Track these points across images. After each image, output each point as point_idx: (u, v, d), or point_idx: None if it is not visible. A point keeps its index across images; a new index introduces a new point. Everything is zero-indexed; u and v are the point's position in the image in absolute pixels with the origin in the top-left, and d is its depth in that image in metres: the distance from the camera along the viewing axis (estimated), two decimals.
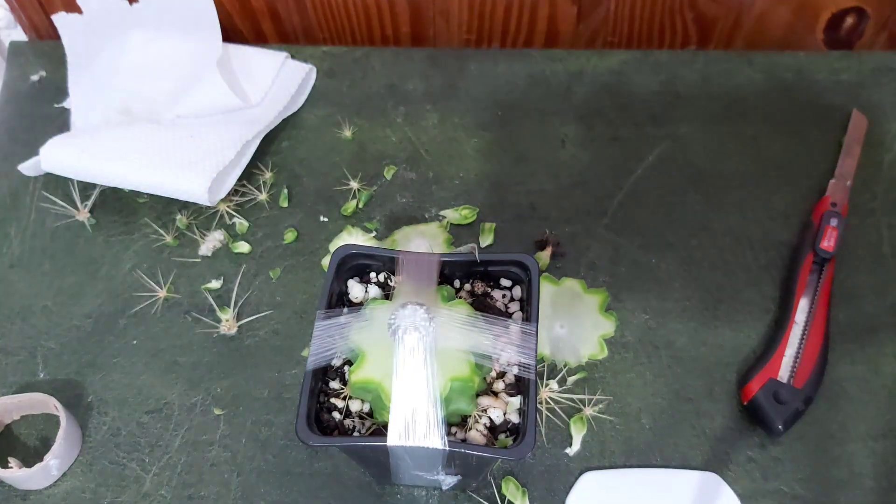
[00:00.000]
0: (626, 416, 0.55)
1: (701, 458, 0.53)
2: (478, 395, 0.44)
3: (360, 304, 0.48)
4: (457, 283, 0.49)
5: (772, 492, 0.52)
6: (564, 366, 0.56)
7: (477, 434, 0.43)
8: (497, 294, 0.49)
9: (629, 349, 0.58)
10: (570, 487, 0.52)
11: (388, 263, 0.48)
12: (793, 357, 0.55)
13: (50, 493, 0.53)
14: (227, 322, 0.59)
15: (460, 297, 0.48)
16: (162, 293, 0.60)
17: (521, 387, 0.44)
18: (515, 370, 0.45)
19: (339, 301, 0.48)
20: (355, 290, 0.48)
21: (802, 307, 0.57)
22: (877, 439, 0.54)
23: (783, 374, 0.54)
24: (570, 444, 0.54)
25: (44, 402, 0.54)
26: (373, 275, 0.49)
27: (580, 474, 0.53)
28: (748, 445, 0.54)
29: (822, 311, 0.57)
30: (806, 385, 0.54)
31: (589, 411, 0.55)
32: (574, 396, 0.55)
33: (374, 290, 0.48)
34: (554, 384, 0.56)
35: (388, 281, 0.49)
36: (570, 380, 0.56)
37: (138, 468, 0.53)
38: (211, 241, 0.63)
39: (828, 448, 0.54)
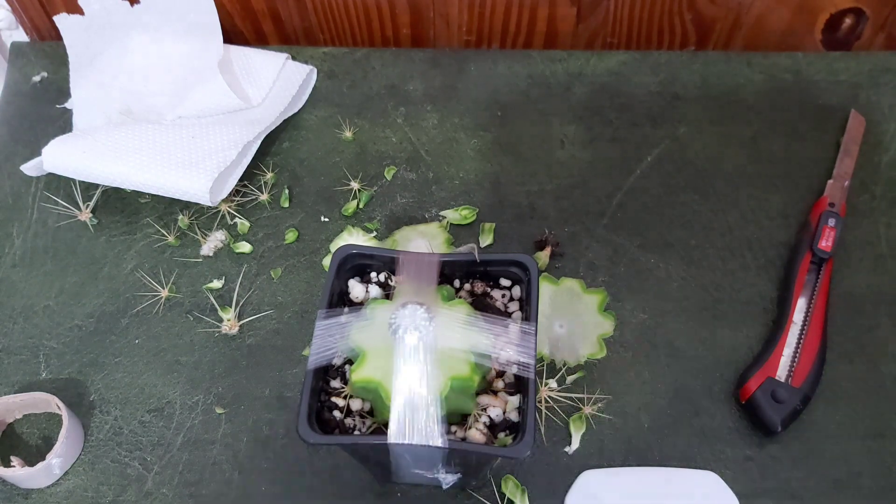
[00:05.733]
0: (625, 415, 0.55)
1: (699, 457, 0.54)
2: (477, 394, 0.44)
3: (361, 303, 0.48)
4: (457, 283, 0.49)
5: (770, 490, 0.52)
6: (563, 365, 0.57)
7: (476, 433, 0.43)
8: (496, 294, 0.49)
9: (628, 348, 0.58)
10: (570, 486, 0.53)
11: (389, 263, 0.49)
12: (791, 356, 0.55)
13: (52, 492, 0.53)
14: (229, 322, 0.59)
15: (460, 297, 0.48)
16: (164, 293, 0.61)
17: (520, 386, 0.45)
18: (515, 369, 0.45)
19: (339, 301, 0.48)
20: (356, 289, 0.49)
21: (800, 307, 0.58)
22: (874, 438, 0.54)
23: (781, 374, 0.55)
24: (570, 443, 0.54)
25: (46, 402, 0.55)
26: (373, 275, 0.49)
27: (579, 473, 0.53)
28: (746, 444, 0.54)
29: (820, 310, 0.57)
30: (804, 384, 0.54)
31: (588, 410, 0.55)
32: (573, 395, 0.56)
33: (374, 290, 0.49)
34: (553, 383, 0.56)
35: (389, 281, 0.49)
36: (570, 379, 0.56)
37: (140, 467, 0.54)
38: (212, 241, 0.63)
39: (826, 447, 0.54)
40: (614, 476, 0.53)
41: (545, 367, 0.57)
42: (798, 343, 0.56)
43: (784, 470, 0.53)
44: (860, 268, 0.61)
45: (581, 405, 0.55)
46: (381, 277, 0.49)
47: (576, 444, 0.54)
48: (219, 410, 0.56)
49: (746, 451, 0.54)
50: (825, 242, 0.59)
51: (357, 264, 0.49)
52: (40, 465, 0.51)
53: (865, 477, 0.53)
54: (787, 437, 0.54)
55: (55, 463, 0.52)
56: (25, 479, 0.52)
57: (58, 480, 0.53)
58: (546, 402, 0.55)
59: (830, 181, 0.64)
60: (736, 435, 0.54)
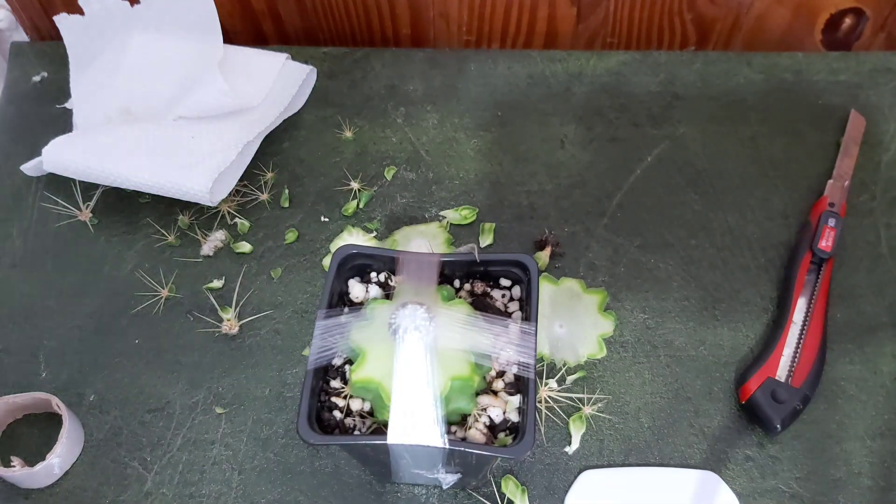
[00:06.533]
0: (625, 415, 0.55)
1: (699, 457, 0.54)
2: (477, 394, 0.44)
3: (361, 303, 0.48)
4: (457, 283, 0.49)
5: (770, 490, 0.52)
6: (563, 365, 0.57)
7: (477, 433, 0.43)
8: (496, 294, 0.49)
9: (628, 348, 0.58)
10: (570, 486, 0.53)
11: (389, 263, 0.49)
12: (791, 356, 0.55)
13: (52, 492, 0.53)
14: (229, 321, 0.59)
15: (460, 297, 0.48)
16: (164, 293, 0.61)
17: (520, 386, 0.45)
18: (515, 369, 0.45)
19: (339, 301, 0.48)
20: (356, 289, 0.49)
21: (800, 307, 0.58)
22: (874, 438, 0.54)
23: (781, 374, 0.55)
24: (570, 443, 0.54)
25: (46, 402, 0.55)
26: (373, 275, 0.49)
27: (579, 473, 0.53)
28: (746, 444, 0.54)
29: (820, 310, 0.57)
30: (804, 384, 0.54)
31: (588, 410, 0.55)
32: (573, 395, 0.56)
33: (374, 290, 0.49)
34: (553, 383, 0.56)
35: (389, 281, 0.49)
36: (570, 379, 0.56)
37: (140, 467, 0.54)
38: (212, 241, 0.63)
39: (826, 447, 0.54)
40: (614, 476, 0.53)
41: (545, 367, 0.57)
42: (798, 343, 0.56)
43: (784, 470, 0.53)
44: (860, 268, 0.61)
45: (581, 405, 0.55)
46: (381, 277, 0.49)
47: (576, 444, 0.54)
48: (219, 410, 0.56)
49: (746, 451, 0.54)
50: (825, 242, 0.59)
51: (357, 264, 0.49)
52: (40, 465, 0.51)
53: (865, 477, 0.53)
54: (788, 438, 0.54)
55: (55, 463, 0.52)
56: (26, 479, 0.52)
57: (58, 480, 0.53)
58: (546, 402, 0.55)
59: (830, 181, 0.64)
60: (736, 435, 0.54)
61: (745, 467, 0.53)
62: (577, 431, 0.54)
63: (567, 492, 0.52)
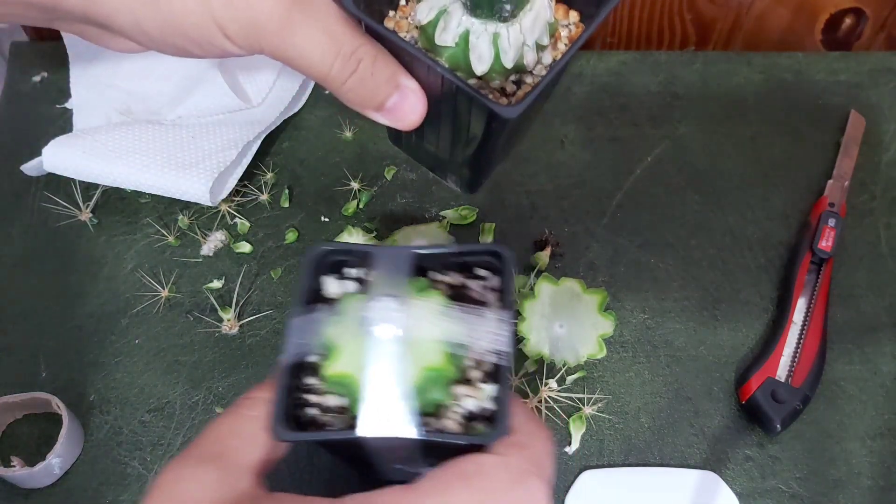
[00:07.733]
0: (625, 415, 0.55)
1: (699, 457, 0.54)
2: (452, 385, 0.44)
3: (336, 300, 0.48)
4: (434, 276, 0.49)
5: (770, 490, 0.52)
6: (563, 365, 0.57)
7: (452, 423, 0.43)
8: (474, 284, 0.49)
9: (628, 348, 0.58)
10: (570, 486, 0.53)
11: (364, 259, 0.48)
12: (791, 356, 0.55)
13: (52, 492, 0.53)
14: (229, 321, 0.59)
15: (437, 289, 0.48)
16: (164, 293, 0.61)
17: (496, 375, 0.44)
18: (492, 358, 0.45)
19: (315, 298, 0.48)
20: (331, 286, 0.48)
21: (800, 307, 0.58)
22: (874, 438, 0.54)
23: (781, 374, 0.55)
24: (570, 443, 0.54)
25: (46, 402, 0.55)
26: (349, 270, 0.49)
27: (579, 473, 0.53)
28: (746, 444, 0.54)
29: (820, 310, 0.57)
30: (804, 384, 0.54)
31: (588, 410, 0.55)
32: (573, 395, 0.56)
33: (350, 286, 0.48)
34: (553, 383, 0.56)
35: (366, 276, 0.49)
36: (569, 379, 0.56)
37: (140, 467, 0.54)
38: (212, 241, 0.63)
39: (826, 447, 0.54)
40: (614, 476, 0.53)
41: (545, 367, 0.57)
42: (798, 343, 0.56)
43: (784, 470, 0.53)
44: (860, 268, 0.61)
45: (581, 405, 0.55)
46: (357, 273, 0.49)
47: (576, 444, 0.54)
48: (219, 410, 0.56)
49: (746, 451, 0.54)
50: (825, 242, 0.59)
51: (333, 261, 0.49)
52: (40, 465, 0.51)
53: (865, 477, 0.53)
54: (788, 438, 0.54)
55: (55, 463, 0.52)
56: (25, 479, 0.52)
57: (58, 480, 0.53)
58: (546, 402, 0.55)
59: (830, 181, 0.64)
60: (736, 435, 0.54)
61: (745, 467, 0.53)
62: (577, 431, 0.54)
63: (567, 492, 0.52)
